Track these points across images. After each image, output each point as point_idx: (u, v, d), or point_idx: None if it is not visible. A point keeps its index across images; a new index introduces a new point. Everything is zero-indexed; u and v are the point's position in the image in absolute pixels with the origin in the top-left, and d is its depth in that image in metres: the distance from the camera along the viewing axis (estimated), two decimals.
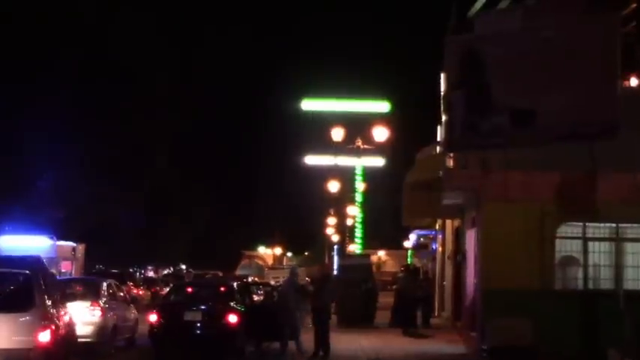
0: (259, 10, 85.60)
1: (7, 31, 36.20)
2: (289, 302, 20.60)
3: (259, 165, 72.90)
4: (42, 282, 14.14)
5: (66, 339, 14.75)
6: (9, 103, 36.36)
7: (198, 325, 19.96)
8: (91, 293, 20.79)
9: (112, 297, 21.59)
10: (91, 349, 18.78)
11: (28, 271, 14.18)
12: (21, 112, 36.60)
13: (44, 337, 13.64)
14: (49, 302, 14.12)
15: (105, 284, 21.89)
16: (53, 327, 13.95)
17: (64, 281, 21.07)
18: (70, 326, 15.49)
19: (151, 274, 53.11)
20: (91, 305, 20.13)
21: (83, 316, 18.93)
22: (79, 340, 16.77)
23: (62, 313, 14.94)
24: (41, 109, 36.67)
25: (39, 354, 13.57)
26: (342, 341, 22.68)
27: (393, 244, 72.60)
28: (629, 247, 20.11)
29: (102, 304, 20.49)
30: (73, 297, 18.30)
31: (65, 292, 16.92)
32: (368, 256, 37.38)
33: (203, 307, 20.28)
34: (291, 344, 20.67)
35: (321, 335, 20.28)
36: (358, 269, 30.90)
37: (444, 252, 32.33)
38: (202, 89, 53.40)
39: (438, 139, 27.61)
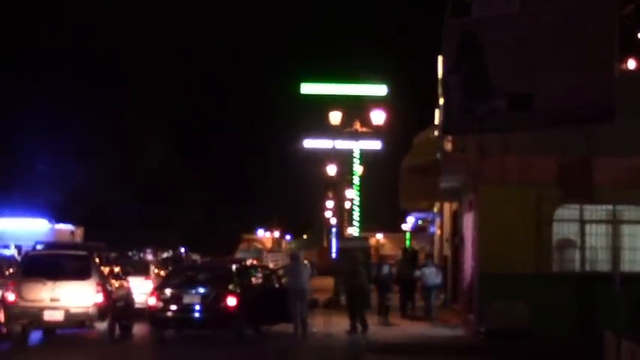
0: None
1: (4, 13, 36.18)
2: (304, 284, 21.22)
3: (258, 149, 72.96)
4: (97, 260, 19.52)
5: (117, 302, 19.94)
6: (6, 86, 36.34)
7: (197, 307, 20.05)
8: (142, 270, 26.43)
9: (156, 274, 26.87)
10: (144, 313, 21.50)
11: (86, 253, 19.68)
12: (19, 95, 36.56)
13: (98, 298, 18.94)
14: (102, 275, 19.41)
15: (152, 264, 28.67)
16: (105, 292, 19.16)
17: (123, 261, 26.11)
18: (127, 293, 21.22)
19: (149, 257, 53.18)
20: (145, 279, 25.48)
21: (140, 288, 23.09)
22: (137, 306, 21.72)
23: (115, 282, 20.29)
24: (39, 91, 36.66)
25: (94, 310, 18.87)
26: (340, 323, 22.79)
27: (391, 227, 72.72)
28: (626, 229, 20.19)
29: (153, 279, 25.91)
30: (130, 273, 23.02)
31: (124, 268, 22.42)
32: (366, 238, 37.41)
33: (202, 290, 20.37)
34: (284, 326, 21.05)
35: (360, 314, 21.91)
36: (357, 252, 30.92)
37: (442, 235, 32.40)
38: (200, 73, 53.28)
39: (436, 122, 27.64)
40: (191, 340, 20.40)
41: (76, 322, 19.14)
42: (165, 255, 56.07)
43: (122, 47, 39.44)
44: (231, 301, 19.97)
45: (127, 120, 40.64)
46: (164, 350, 19.44)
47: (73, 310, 18.81)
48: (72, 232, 31.88)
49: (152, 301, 20.39)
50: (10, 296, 18.73)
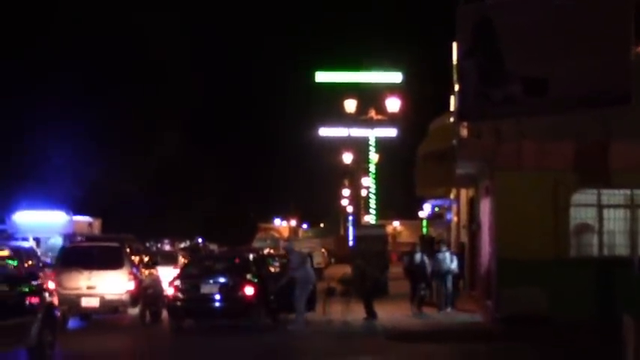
0: None
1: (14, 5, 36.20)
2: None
3: (274, 138, 72.97)
4: (128, 251, 21.49)
5: (147, 289, 21.67)
6: (22, 80, 36.44)
7: (215, 297, 20.10)
8: (171, 260, 28.80)
9: (184, 263, 27.86)
10: None
11: (118, 244, 21.57)
12: (35, 88, 36.68)
13: (130, 286, 20.88)
14: (133, 264, 21.39)
15: (180, 254, 31.73)
16: (136, 280, 21.12)
17: (153, 252, 29.47)
18: (156, 281, 22.82)
19: (167, 247, 53.38)
20: (174, 268, 26.48)
21: (168, 276, 22.99)
22: (165, 293, 21.96)
23: (145, 271, 22.11)
24: (54, 84, 36.76)
25: (127, 297, 20.79)
26: (357, 311, 22.82)
27: (408, 214, 72.64)
28: None
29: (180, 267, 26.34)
30: (159, 262, 25.17)
31: (153, 259, 24.55)
32: (383, 226, 37.38)
33: (219, 280, 20.41)
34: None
35: (368, 301, 22.50)
36: (374, 239, 30.93)
37: (459, 222, 32.35)
38: (214, 64, 53.26)
39: (451, 108, 27.55)
40: (209, 330, 20.47)
41: (110, 308, 21.04)
42: (182, 245, 56.27)
43: (137, 40, 39.51)
44: (249, 291, 20.01)
45: (143, 111, 40.69)
46: (188, 336, 19.54)
47: (108, 297, 20.75)
48: (90, 224, 31.99)
49: (170, 292, 20.47)
50: (51, 285, 19.43)
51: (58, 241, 29.48)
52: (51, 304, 15.34)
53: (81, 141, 36.78)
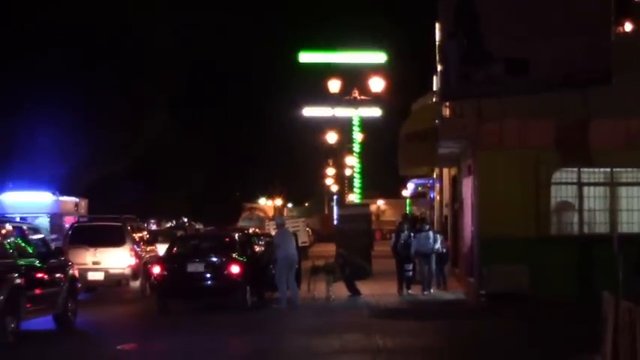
0: None
1: None
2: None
3: (258, 118, 72.93)
4: (129, 229, 23.82)
5: (147, 264, 23.27)
6: (6, 58, 36.33)
7: (201, 276, 20.21)
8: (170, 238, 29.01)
9: None
10: None
11: (120, 223, 23.88)
12: (20, 67, 36.58)
13: (131, 261, 23.22)
14: (134, 241, 23.69)
15: (178, 233, 33.33)
16: (137, 256, 23.44)
17: (152, 231, 32.85)
18: (155, 257, 23.59)
19: (153, 227, 53.47)
20: None
21: None
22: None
23: (145, 248, 24.37)
24: (40, 63, 36.65)
25: (129, 271, 23.11)
26: (343, 290, 23.06)
27: (392, 193, 72.89)
28: (623, 191, 20.39)
29: None
30: (159, 240, 27.56)
31: (152, 237, 27.56)
32: (367, 205, 37.60)
33: (206, 259, 20.53)
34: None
35: (348, 283, 23.04)
36: (358, 219, 31.11)
37: (441, 200, 32.61)
38: (200, 42, 53.10)
39: (434, 88, 27.76)
40: (195, 309, 20.64)
41: (113, 281, 23.37)
42: (168, 225, 56.35)
43: (120, 19, 39.42)
44: (235, 269, 20.14)
45: (128, 91, 40.65)
46: (175, 313, 19.72)
47: (112, 272, 23.09)
48: (76, 204, 32.01)
49: (156, 271, 20.54)
50: None
51: (44, 222, 29.57)
52: (73, 276, 17.34)
53: (67, 121, 36.74)
